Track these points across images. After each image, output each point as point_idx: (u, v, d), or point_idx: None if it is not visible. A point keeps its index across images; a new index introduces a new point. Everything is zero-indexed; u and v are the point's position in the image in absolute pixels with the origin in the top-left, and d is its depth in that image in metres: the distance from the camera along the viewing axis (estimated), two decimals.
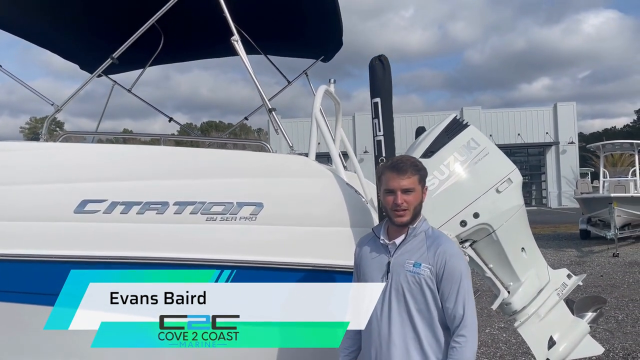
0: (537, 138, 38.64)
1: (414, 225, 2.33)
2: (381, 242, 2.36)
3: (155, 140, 4.72)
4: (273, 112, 3.14)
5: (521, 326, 3.68)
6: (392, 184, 2.28)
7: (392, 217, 2.30)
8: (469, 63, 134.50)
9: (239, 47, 3.14)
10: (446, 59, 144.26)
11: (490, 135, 37.85)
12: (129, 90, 5.39)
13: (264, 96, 3.13)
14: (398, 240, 2.34)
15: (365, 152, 36.60)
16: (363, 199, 2.91)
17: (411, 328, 2.28)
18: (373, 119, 2.64)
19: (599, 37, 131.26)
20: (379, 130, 2.62)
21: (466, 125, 3.89)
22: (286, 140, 3.08)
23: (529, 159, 40.49)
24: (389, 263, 2.32)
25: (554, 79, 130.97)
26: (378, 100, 2.61)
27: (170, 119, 5.47)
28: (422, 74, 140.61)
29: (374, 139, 2.65)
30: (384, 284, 2.32)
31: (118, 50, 3.32)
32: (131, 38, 3.29)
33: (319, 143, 4.31)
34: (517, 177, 3.73)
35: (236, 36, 3.14)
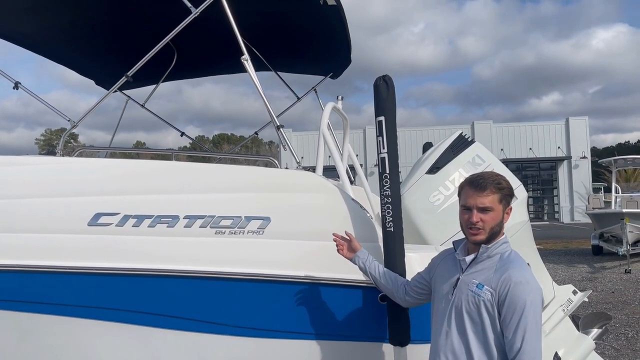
0: (549, 152, 38.40)
1: (489, 245, 2.21)
2: (456, 256, 2.33)
3: (167, 155, 4.85)
4: (281, 129, 3.23)
5: None
6: (470, 201, 2.20)
7: (467, 234, 2.24)
8: (479, 77, 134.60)
9: (249, 66, 3.24)
10: (456, 74, 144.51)
11: (502, 150, 37.75)
12: (143, 106, 5.53)
13: (273, 113, 3.22)
14: (469, 258, 2.26)
15: (376, 165, 36.57)
16: (368, 214, 2.97)
17: (464, 349, 2.20)
18: (377, 136, 2.71)
19: (609, 52, 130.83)
20: (383, 148, 2.69)
21: (471, 142, 3.96)
22: (294, 155, 3.17)
23: (540, 174, 40.24)
24: (458, 279, 2.27)
25: (564, 93, 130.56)
26: (382, 118, 2.68)
27: (182, 134, 5.59)
28: (432, 88, 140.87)
29: (378, 156, 2.72)
30: (450, 298, 2.27)
31: (133, 69, 3.44)
32: (146, 57, 3.41)
33: (329, 156, 4.40)
34: (522, 193, 3.78)
35: (246, 55, 3.25)
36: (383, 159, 2.69)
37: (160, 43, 3.41)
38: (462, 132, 4.05)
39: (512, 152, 38.11)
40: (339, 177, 3.16)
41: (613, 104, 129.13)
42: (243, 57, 3.25)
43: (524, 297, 2.08)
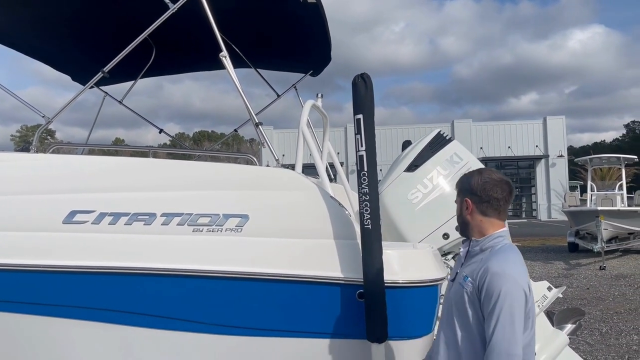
0: (527, 151, 38.98)
1: (479, 239, 2.33)
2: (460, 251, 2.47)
3: (146, 152, 4.78)
4: (260, 127, 3.22)
5: None
6: None
7: None
8: (459, 77, 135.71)
9: (227, 62, 3.22)
10: (436, 73, 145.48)
11: (481, 148, 38.18)
12: (120, 102, 5.46)
13: (251, 110, 3.21)
14: (463, 252, 2.42)
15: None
16: (346, 212, 2.98)
17: (453, 341, 2.27)
18: (356, 134, 2.72)
19: (585, 53, 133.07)
20: (361, 145, 2.70)
21: (449, 140, 4.00)
22: (273, 153, 3.16)
23: (519, 172, 40.80)
24: (457, 273, 2.40)
25: (542, 93, 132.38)
26: (361, 116, 2.69)
27: (161, 131, 5.53)
28: (412, 87, 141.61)
29: (356, 154, 2.73)
30: (449, 293, 2.40)
31: (109, 65, 3.39)
32: (122, 53, 3.37)
33: (310, 154, 4.39)
34: None
35: (224, 52, 3.23)
36: (361, 156, 2.70)
37: (137, 39, 3.37)
38: (440, 131, 4.08)
39: (491, 151, 38.58)
40: (319, 175, 3.17)
41: (589, 104, 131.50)
42: (221, 53, 3.23)
43: (499, 288, 2.12)
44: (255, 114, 3.89)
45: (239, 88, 3.23)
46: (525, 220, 37.39)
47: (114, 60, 3.36)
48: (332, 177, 4.70)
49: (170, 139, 6.55)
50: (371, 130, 2.70)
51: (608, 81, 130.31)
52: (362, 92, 2.68)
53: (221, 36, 3.34)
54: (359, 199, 2.71)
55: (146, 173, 3.06)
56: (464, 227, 2.41)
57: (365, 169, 2.69)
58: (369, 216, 2.66)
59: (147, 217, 2.91)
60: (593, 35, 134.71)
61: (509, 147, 38.83)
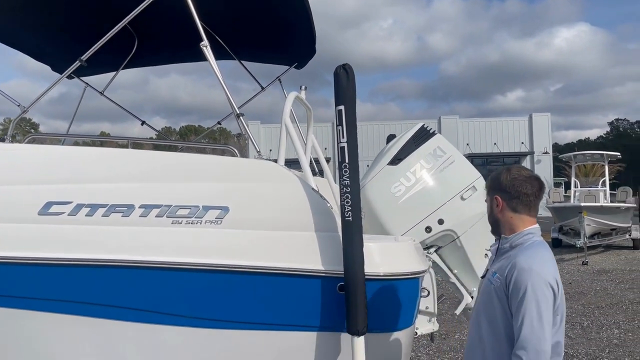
0: (513, 148, 39.23)
1: (509, 236, 2.34)
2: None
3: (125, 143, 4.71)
4: (241, 118, 3.18)
5: None
6: None
7: None
8: (446, 74, 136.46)
9: (208, 52, 3.17)
10: (424, 69, 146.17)
11: (467, 145, 38.37)
12: (102, 93, 5.37)
13: (232, 101, 3.17)
14: (493, 249, 2.44)
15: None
16: (328, 204, 2.96)
17: (479, 336, 2.31)
18: (337, 126, 2.69)
19: (571, 51, 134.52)
20: (343, 137, 2.67)
21: (433, 134, 3.99)
22: (254, 145, 3.12)
23: None
24: (486, 270, 2.44)
25: (528, 90, 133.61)
26: (342, 107, 2.66)
27: (143, 123, 5.45)
28: (400, 83, 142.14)
29: (337, 146, 2.70)
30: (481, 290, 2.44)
31: (87, 53, 3.32)
32: (100, 41, 3.30)
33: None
34: (482, 185, 3.83)
35: (205, 42, 3.17)
36: (343, 148, 2.67)
37: (116, 27, 3.30)
38: (424, 124, 4.07)
39: (478, 147, 38.77)
40: (317, 171, 3.12)
41: (574, 102, 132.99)
42: (202, 43, 3.17)
43: (525, 283, 2.12)
44: (239, 107, 3.83)
45: (220, 79, 3.19)
46: None
47: (91, 49, 3.29)
48: (317, 170, 4.67)
49: (156, 133, 6.45)
50: (353, 121, 2.68)
51: (593, 79, 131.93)
52: (344, 83, 2.65)
53: (203, 26, 3.28)
54: (340, 191, 2.69)
55: (124, 164, 3.01)
56: (495, 225, 2.42)
57: (347, 161, 2.67)
58: (350, 208, 2.64)
59: (125, 208, 2.86)
60: (579, 33, 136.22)
61: (495, 143, 39.07)
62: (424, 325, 3.76)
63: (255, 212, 2.87)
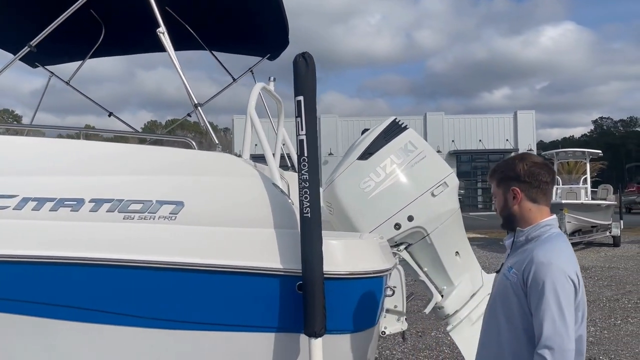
0: (498, 144, 39.43)
1: (524, 229, 2.19)
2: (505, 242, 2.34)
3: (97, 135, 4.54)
4: (199, 108, 3.04)
5: (453, 330, 3.68)
6: None
7: None
8: (434, 70, 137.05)
9: (165, 39, 3.03)
10: (412, 66, 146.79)
11: (453, 141, 38.50)
12: (67, 83, 5.21)
13: (190, 90, 3.03)
14: (508, 243, 2.28)
15: (330, 154, 36.59)
16: (290, 200, 2.83)
17: (497, 333, 2.17)
18: (296, 117, 2.56)
19: (556, 49, 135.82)
20: (302, 129, 2.54)
21: (405, 128, 3.88)
22: (212, 137, 2.99)
23: (489, 165, 41.14)
24: (502, 265, 2.28)
25: (514, 88, 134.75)
26: (301, 98, 2.53)
27: (110, 114, 5.30)
28: (388, 79, 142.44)
29: (296, 138, 2.58)
30: (495, 285, 2.31)
31: (36, 39, 3.16)
32: (51, 26, 3.14)
33: (283, 144, 4.21)
34: (453, 181, 3.74)
35: (162, 28, 3.03)
36: (301, 140, 2.55)
37: (67, 11, 3.13)
38: (395, 118, 3.96)
39: (463, 144, 38.92)
40: (290, 166, 2.99)
41: (559, 100, 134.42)
42: (159, 29, 3.03)
43: (543, 278, 2.00)
44: (209, 100, 3.70)
45: (178, 68, 3.05)
46: (494, 212, 37.79)
47: (41, 34, 3.13)
48: (289, 165, 4.55)
49: (128, 125, 6.28)
50: (312, 112, 2.55)
51: (578, 78, 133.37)
52: (303, 72, 2.52)
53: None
54: (299, 186, 2.57)
55: (75, 156, 2.86)
56: (509, 220, 2.25)
57: (306, 154, 2.54)
58: (308, 204, 2.52)
59: (75, 202, 2.72)
60: (565, 32, 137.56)
61: (480, 140, 39.24)
62: (393, 324, 3.65)
63: (212, 207, 2.74)
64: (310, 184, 2.53)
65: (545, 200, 2.21)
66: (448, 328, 3.69)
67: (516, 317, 2.10)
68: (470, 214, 35.65)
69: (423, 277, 3.74)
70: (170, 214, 2.69)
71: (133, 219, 2.69)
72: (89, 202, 2.72)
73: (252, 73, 5.01)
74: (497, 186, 2.28)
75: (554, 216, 2.25)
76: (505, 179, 2.24)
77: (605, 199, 17.14)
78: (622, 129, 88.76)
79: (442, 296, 3.72)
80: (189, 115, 5.30)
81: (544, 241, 2.13)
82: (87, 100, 5.47)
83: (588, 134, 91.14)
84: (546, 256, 2.05)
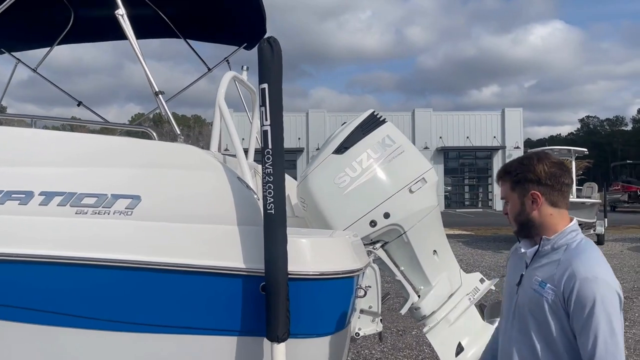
0: (485, 142, 39.49)
1: (551, 237, 1.96)
2: (518, 250, 2.10)
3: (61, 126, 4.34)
4: (160, 96, 2.86)
5: (430, 331, 3.55)
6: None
7: None
8: (423, 67, 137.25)
9: (124, 22, 2.84)
10: (401, 62, 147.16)
11: (440, 138, 38.48)
12: (34, 70, 4.99)
13: (151, 78, 2.84)
14: (530, 252, 2.02)
15: (318, 149, 36.39)
16: (255, 195, 2.67)
17: (530, 352, 1.94)
18: (260, 106, 2.39)
19: (545, 48, 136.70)
20: (266, 120, 2.36)
21: (383, 122, 3.72)
22: (174, 127, 2.81)
23: (476, 162, 41.36)
24: (521, 276, 2.03)
25: (503, 86, 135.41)
26: (265, 86, 2.36)
27: (79, 103, 5.09)
28: (378, 75, 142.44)
29: (260, 129, 2.41)
30: (514, 297, 2.04)
31: None
32: (3, 5, 2.93)
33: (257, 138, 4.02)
34: (432, 177, 3.59)
35: (121, 10, 2.85)
36: (265, 131, 2.37)
37: None
38: (373, 111, 3.80)
39: (450, 141, 38.92)
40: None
41: (547, 98, 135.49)
42: (117, 11, 2.85)
43: (592, 295, 1.79)
44: (182, 90, 3.49)
45: (139, 55, 2.87)
46: (481, 209, 38.03)
47: None
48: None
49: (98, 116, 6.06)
50: (278, 102, 2.38)
51: (565, 77, 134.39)
52: (268, 58, 2.35)
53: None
54: (262, 180, 2.40)
55: (24, 145, 2.67)
56: (527, 227, 2.01)
57: (270, 146, 2.37)
58: (272, 200, 2.35)
59: (23, 195, 2.54)
60: (553, 31, 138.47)
61: (468, 137, 39.27)
62: (368, 325, 3.52)
63: (170, 202, 2.57)
64: (275, 179, 2.36)
65: (565, 204, 2.01)
66: (425, 329, 3.55)
67: (556, 338, 1.90)
68: (457, 210, 35.76)
69: (399, 276, 3.60)
70: (126, 208, 2.52)
71: (86, 213, 2.52)
72: (39, 195, 2.54)
73: (228, 63, 4.82)
74: (510, 189, 2.03)
75: (575, 220, 2.04)
76: (522, 182, 1.99)
77: (590, 197, 17.14)
78: (608, 127, 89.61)
79: (419, 296, 3.58)
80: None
81: (578, 251, 1.92)
82: (74, 91, 5.26)
83: (575, 133, 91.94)
84: (589, 270, 1.84)
